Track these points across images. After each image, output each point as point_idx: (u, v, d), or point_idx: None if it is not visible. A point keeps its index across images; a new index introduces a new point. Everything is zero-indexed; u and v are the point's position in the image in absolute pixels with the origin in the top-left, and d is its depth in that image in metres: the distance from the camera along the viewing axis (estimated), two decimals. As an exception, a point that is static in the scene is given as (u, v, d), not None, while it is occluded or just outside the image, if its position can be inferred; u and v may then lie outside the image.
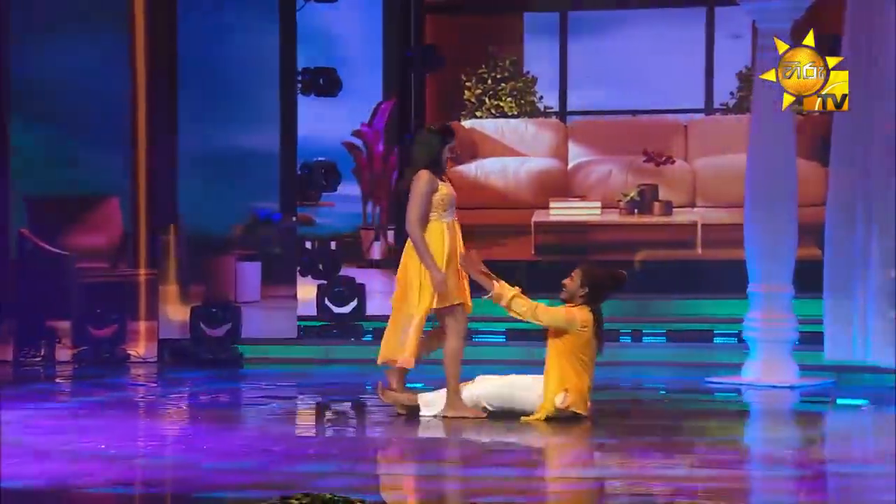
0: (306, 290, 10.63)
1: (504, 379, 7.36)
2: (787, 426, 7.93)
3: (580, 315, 7.20)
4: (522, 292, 7.21)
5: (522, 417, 7.22)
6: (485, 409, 7.30)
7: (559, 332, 7.21)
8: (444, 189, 7.22)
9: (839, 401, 8.33)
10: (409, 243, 7.28)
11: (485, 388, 7.31)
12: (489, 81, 11.47)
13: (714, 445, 6.72)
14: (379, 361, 7.32)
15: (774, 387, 8.73)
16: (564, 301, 7.27)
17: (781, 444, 7.05)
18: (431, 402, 7.35)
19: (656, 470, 6.21)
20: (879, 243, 8.95)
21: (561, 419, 7.18)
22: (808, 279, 9.15)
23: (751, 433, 7.46)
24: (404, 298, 7.22)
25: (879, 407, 8.08)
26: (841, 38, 9.03)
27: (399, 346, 7.20)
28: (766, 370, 8.87)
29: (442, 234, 7.17)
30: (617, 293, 7.35)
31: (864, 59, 8.90)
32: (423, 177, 7.18)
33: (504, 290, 7.14)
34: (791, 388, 8.73)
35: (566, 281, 7.29)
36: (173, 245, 10.28)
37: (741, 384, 8.80)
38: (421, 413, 7.34)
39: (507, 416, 7.28)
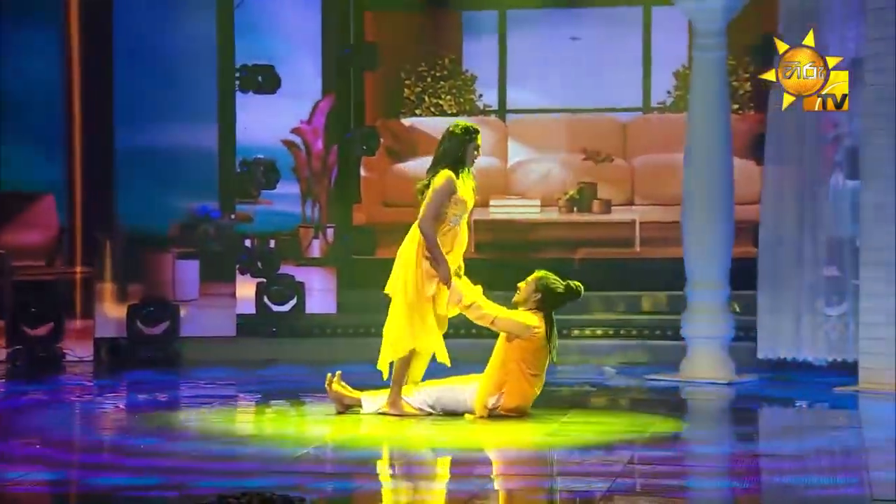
0: (245, 288, 10.59)
1: (440, 382, 7.37)
2: (723, 422, 8.01)
3: (532, 320, 7.21)
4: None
5: (466, 415, 7.24)
6: (430, 412, 7.31)
7: (511, 336, 7.22)
8: (461, 194, 7.23)
9: (773, 396, 8.43)
10: (408, 238, 7.26)
11: (427, 394, 7.31)
12: (428, 79, 11.47)
13: (652, 442, 6.77)
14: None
15: (711, 383, 8.82)
16: (516, 304, 7.29)
17: (718, 439, 7.12)
18: (373, 400, 7.34)
19: (594, 466, 6.24)
20: (812, 241, 9.07)
21: (500, 417, 7.21)
22: (744, 276, 9.25)
23: (688, 429, 7.51)
24: (398, 288, 7.21)
25: (812, 403, 8.19)
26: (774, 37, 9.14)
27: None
28: (703, 367, 8.96)
29: (442, 238, 7.19)
30: (570, 303, 7.36)
31: (798, 58, 9.00)
32: (444, 176, 7.21)
33: (462, 295, 7.14)
34: (728, 384, 8.81)
35: (521, 284, 7.31)
36: (110, 242, 10.19)
37: (679, 381, 8.87)
38: (363, 410, 7.33)
39: (451, 415, 7.30)
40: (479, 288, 7.32)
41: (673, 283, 9.44)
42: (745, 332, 9.33)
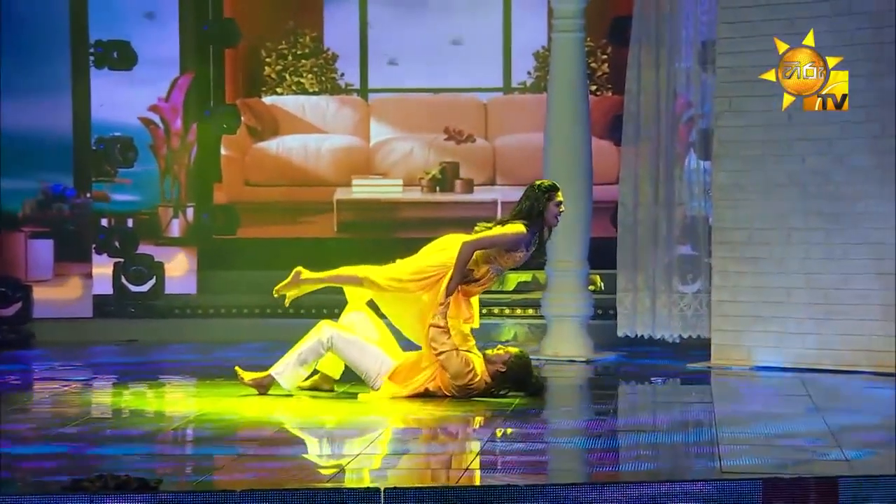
0: (102, 269, 10.40)
1: (360, 339, 7.35)
2: (581, 399, 8.14)
3: (477, 368, 7.19)
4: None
5: (360, 395, 7.25)
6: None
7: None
8: (517, 258, 7.24)
9: (629, 373, 8.60)
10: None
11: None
12: (289, 58, 11.38)
13: (512, 419, 6.85)
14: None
15: (571, 361, 8.95)
16: (485, 354, 7.29)
17: (576, 416, 7.24)
18: (284, 373, 7.33)
19: (456, 443, 6.30)
20: (668, 221, 9.26)
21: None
22: (604, 256, 9.41)
23: (548, 406, 7.62)
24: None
25: (666, 379, 8.39)
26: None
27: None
28: (563, 345, 9.09)
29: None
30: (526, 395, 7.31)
31: (653, 41, 9.18)
32: (520, 228, 7.21)
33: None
34: (587, 362, 8.96)
35: (501, 348, 7.31)
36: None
37: (540, 359, 8.98)
38: (285, 385, 7.30)
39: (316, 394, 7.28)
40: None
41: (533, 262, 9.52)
42: (607, 311, 9.50)
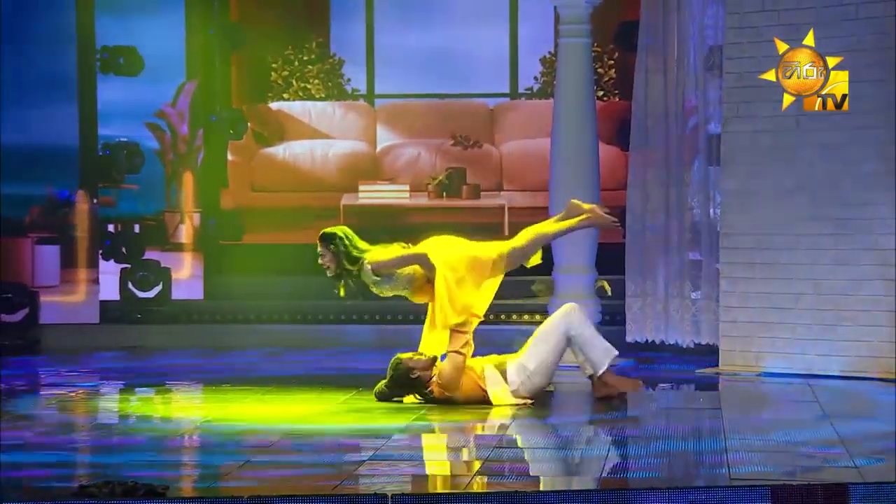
0: (109, 274, 10.41)
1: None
2: (588, 405, 8.13)
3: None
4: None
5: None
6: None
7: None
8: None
9: (640, 379, 8.58)
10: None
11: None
12: (296, 63, 11.39)
13: (518, 426, 6.84)
14: None
15: (578, 367, 8.92)
16: None
17: (584, 422, 7.23)
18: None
19: (463, 452, 6.29)
20: (678, 226, 9.25)
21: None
22: (611, 262, 9.40)
23: (554, 413, 7.61)
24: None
25: (675, 385, 8.37)
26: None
27: None
28: (569, 351, 9.06)
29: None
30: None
31: (660, 46, 9.17)
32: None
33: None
34: (594, 367, 8.93)
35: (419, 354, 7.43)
36: (-35, 228, 9.95)
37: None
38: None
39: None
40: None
41: (540, 268, 9.53)
42: (617, 317, 9.50)
